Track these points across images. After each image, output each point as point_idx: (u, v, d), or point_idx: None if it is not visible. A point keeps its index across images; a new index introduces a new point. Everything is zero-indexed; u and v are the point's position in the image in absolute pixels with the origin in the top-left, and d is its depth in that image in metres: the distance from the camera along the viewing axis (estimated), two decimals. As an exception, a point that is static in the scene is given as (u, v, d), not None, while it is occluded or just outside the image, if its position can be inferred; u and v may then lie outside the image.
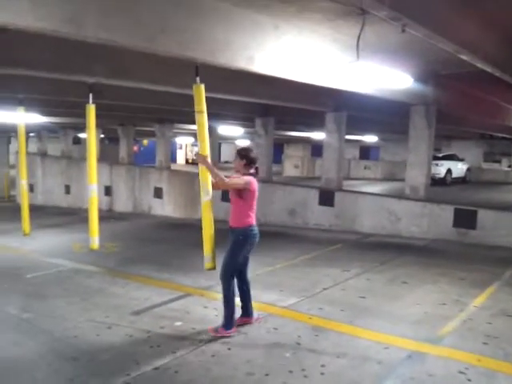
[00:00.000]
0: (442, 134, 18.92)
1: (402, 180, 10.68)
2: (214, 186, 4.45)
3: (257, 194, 4.35)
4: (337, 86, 6.73)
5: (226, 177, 4.32)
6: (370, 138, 22.52)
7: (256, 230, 4.36)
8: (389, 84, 6.39)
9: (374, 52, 5.59)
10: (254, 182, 4.32)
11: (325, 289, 5.69)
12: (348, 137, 13.81)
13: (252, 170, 4.39)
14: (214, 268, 4.75)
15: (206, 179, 4.68)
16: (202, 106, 5.14)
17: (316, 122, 12.85)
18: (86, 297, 5.52)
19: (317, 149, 27.69)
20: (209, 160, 4.45)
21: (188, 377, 3.51)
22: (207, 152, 4.63)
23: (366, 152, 29.97)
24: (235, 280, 4.39)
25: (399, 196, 10.03)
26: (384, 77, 5.74)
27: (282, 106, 10.54)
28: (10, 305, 5.30)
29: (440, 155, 19.15)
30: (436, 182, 16.71)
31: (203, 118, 5.08)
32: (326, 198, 10.47)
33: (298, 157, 31.00)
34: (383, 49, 5.92)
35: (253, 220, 4.34)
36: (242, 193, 4.26)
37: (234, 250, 4.30)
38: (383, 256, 7.48)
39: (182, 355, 3.86)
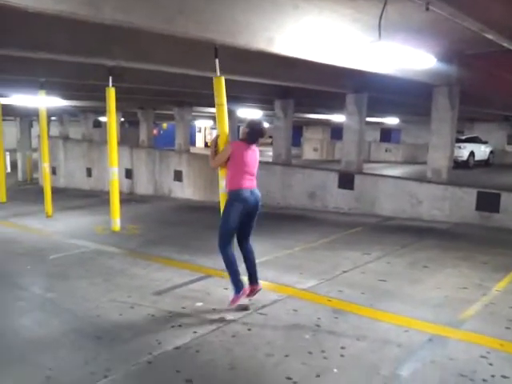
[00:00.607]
0: (465, 116, 18.53)
1: (424, 163, 10.52)
2: (213, 168, 4.73)
3: (248, 158, 4.42)
4: (358, 66, 6.61)
5: None
6: (391, 120, 22.16)
7: (246, 193, 4.37)
8: (411, 64, 6.25)
9: (397, 31, 5.46)
10: (240, 146, 4.44)
11: (344, 272, 5.68)
12: (369, 119, 13.61)
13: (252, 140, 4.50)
14: None
15: (222, 173, 4.80)
16: (222, 98, 5.13)
17: (336, 104, 12.69)
18: (109, 277, 5.62)
19: (336, 131, 27.43)
20: (220, 146, 4.59)
21: (209, 356, 3.57)
22: (225, 138, 4.76)
23: (386, 134, 29.54)
24: (234, 247, 4.53)
25: (421, 179, 9.89)
26: (406, 57, 5.61)
27: (301, 87, 10.42)
28: (34, 285, 5.44)
29: (463, 137, 18.80)
30: (459, 164, 16.45)
31: (223, 110, 5.07)
32: (346, 181, 10.40)
33: (317, 140, 30.77)
34: (406, 28, 5.77)
35: (243, 183, 4.38)
36: (229, 159, 4.42)
37: (224, 214, 4.43)
38: (404, 239, 7.41)
39: (202, 335, 3.91)
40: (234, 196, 4.37)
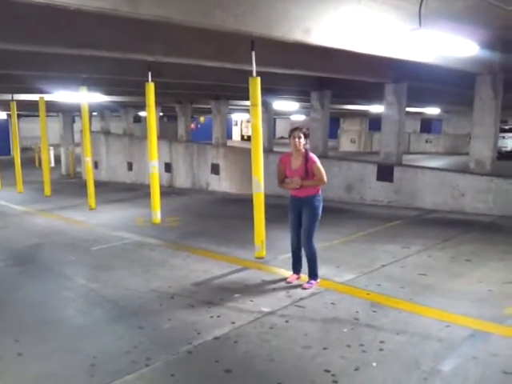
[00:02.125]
0: (510, 106, 17.79)
1: (466, 154, 10.21)
2: (319, 184, 4.86)
3: None
4: (397, 55, 6.45)
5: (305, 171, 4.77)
6: (432, 110, 21.57)
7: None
8: (452, 52, 6.06)
9: (437, 19, 5.30)
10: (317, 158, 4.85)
11: (383, 265, 5.61)
12: (408, 109, 13.29)
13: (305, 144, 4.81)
14: (263, 257, 5.54)
15: (258, 173, 4.93)
16: (256, 99, 5.17)
17: (374, 95, 12.45)
18: (149, 268, 5.76)
19: (374, 122, 26.94)
20: (300, 181, 4.79)
21: (247, 347, 3.61)
22: (261, 183, 5.43)
23: (427, 125, 28.79)
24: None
25: (463, 170, 9.60)
26: (447, 45, 5.45)
27: (338, 78, 10.26)
28: (78, 275, 5.63)
29: (507, 127, 18.10)
30: (503, 155, 15.84)
31: (258, 111, 5.11)
32: (385, 173, 10.21)
33: (354, 131, 30.35)
34: (447, 15, 5.59)
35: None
36: None
37: (315, 214, 4.85)
38: (445, 233, 7.23)
39: (240, 326, 3.96)
40: (321, 199, 4.86)
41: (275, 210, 6.72)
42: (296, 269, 5.10)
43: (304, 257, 5.00)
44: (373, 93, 12.20)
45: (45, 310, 4.55)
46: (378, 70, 9.32)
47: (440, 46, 5.54)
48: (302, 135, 4.73)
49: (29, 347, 3.75)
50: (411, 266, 5.57)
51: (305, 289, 4.80)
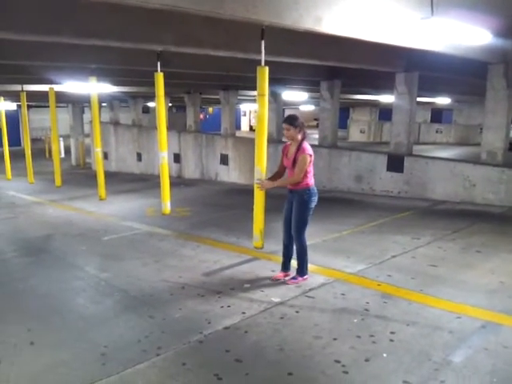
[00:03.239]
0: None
1: (477, 145, 10.10)
2: (294, 184, 4.67)
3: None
4: (408, 44, 6.37)
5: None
6: (443, 100, 21.33)
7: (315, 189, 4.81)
8: (465, 41, 5.96)
9: (449, 7, 5.21)
10: (310, 149, 4.63)
11: (393, 256, 5.59)
12: (419, 99, 13.15)
13: (302, 134, 4.66)
14: (261, 247, 5.55)
15: (262, 163, 4.91)
16: (264, 88, 5.14)
17: (385, 84, 12.32)
18: (160, 258, 5.79)
19: (384, 113, 26.76)
20: (267, 183, 4.90)
21: (257, 337, 3.62)
22: (263, 173, 5.28)
23: (437, 115, 28.48)
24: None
25: (474, 161, 9.50)
26: (460, 33, 5.36)
27: (348, 68, 10.17)
28: (89, 265, 5.67)
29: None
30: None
31: (264, 101, 5.08)
32: (395, 164, 10.14)
33: (364, 121, 30.16)
34: (459, 3, 5.49)
35: (313, 181, 4.75)
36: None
37: (305, 207, 4.65)
38: (456, 224, 7.18)
39: (251, 316, 3.97)
40: (313, 192, 4.65)
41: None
42: (284, 265, 4.90)
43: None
44: (383, 82, 12.07)
45: (56, 300, 4.59)
46: (389, 59, 9.22)
47: (452, 34, 5.45)
48: (289, 126, 4.58)
49: (41, 336, 3.79)
50: (422, 257, 5.54)
51: (288, 284, 4.67)
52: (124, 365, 3.24)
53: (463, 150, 18.84)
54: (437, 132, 25.98)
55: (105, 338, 3.68)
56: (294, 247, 4.79)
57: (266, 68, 5.11)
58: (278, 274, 4.88)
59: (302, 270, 4.75)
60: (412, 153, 10.41)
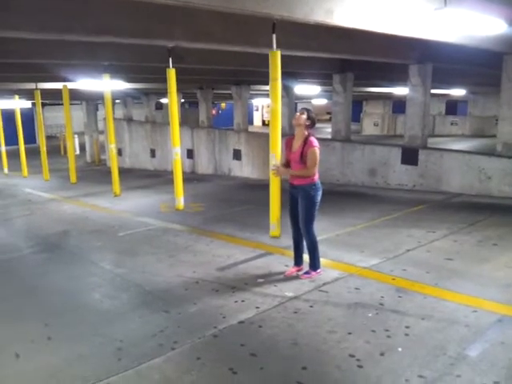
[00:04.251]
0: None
1: (493, 136, 9.95)
2: (305, 175, 4.62)
3: None
4: (421, 35, 6.28)
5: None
6: (458, 92, 21.04)
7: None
8: (479, 31, 5.87)
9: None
10: (317, 143, 4.60)
11: (408, 250, 5.55)
12: (433, 91, 12.99)
13: (309, 130, 4.66)
14: (279, 236, 5.52)
15: (276, 148, 4.89)
16: (276, 73, 5.12)
17: (398, 77, 12.20)
18: (174, 254, 5.82)
19: (398, 105, 26.49)
20: (282, 169, 4.89)
21: (271, 331, 3.63)
22: (278, 159, 5.31)
23: (452, 107, 28.11)
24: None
25: (490, 153, 9.37)
26: (473, 23, 5.28)
27: (361, 60, 10.08)
28: (104, 261, 5.74)
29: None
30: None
31: (277, 86, 5.06)
32: (410, 157, 10.04)
33: (377, 114, 29.91)
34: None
35: (318, 175, 4.70)
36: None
37: (312, 201, 4.62)
38: (472, 217, 7.09)
39: (265, 310, 3.98)
40: (318, 186, 4.62)
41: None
42: (296, 260, 4.90)
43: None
44: (397, 74, 11.95)
45: (72, 295, 4.66)
46: (402, 51, 9.11)
47: (466, 24, 5.37)
48: (305, 112, 4.61)
49: (58, 331, 3.85)
50: (437, 251, 5.49)
51: (301, 279, 4.68)
52: (140, 359, 3.28)
53: (479, 142, 18.59)
54: (452, 124, 25.67)
55: (121, 333, 3.73)
56: (305, 242, 4.77)
57: (278, 52, 5.09)
58: (291, 269, 4.87)
59: (314, 264, 4.75)
60: (427, 145, 10.30)
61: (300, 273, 4.79)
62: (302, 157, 4.53)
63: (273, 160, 5.29)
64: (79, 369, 3.25)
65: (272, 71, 5.15)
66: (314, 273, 4.73)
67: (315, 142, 4.54)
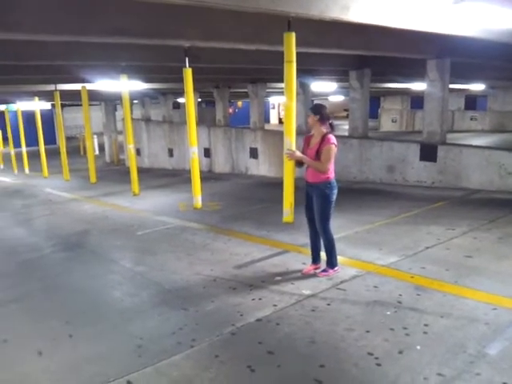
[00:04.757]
0: None
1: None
2: (318, 172, 4.59)
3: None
4: (439, 30, 6.20)
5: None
6: (477, 87, 20.68)
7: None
8: (498, 24, 5.76)
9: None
10: (335, 141, 4.58)
11: (427, 247, 5.49)
12: (452, 86, 12.80)
13: (326, 127, 4.64)
14: (292, 222, 5.52)
15: (291, 133, 4.90)
16: (291, 55, 5.13)
17: (416, 72, 12.05)
18: (192, 252, 5.87)
19: (416, 101, 26.17)
20: (298, 153, 4.76)
21: (289, 329, 3.64)
22: (293, 144, 5.25)
23: (471, 102, 27.64)
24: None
25: (510, 148, 9.20)
26: (493, 17, 5.19)
27: (378, 56, 9.99)
28: (124, 259, 5.82)
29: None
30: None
31: (292, 67, 5.08)
32: (428, 153, 9.92)
33: (395, 110, 29.57)
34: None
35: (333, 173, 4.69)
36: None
37: (328, 200, 4.60)
38: (492, 213, 6.98)
39: (282, 308, 3.99)
40: (333, 185, 4.61)
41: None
42: (314, 258, 4.89)
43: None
44: (414, 70, 11.80)
45: (93, 293, 4.74)
46: (420, 46, 9.00)
47: (484, 18, 5.28)
48: (310, 113, 4.65)
49: (79, 329, 3.92)
50: (456, 248, 5.43)
51: (318, 277, 4.68)
52: (159, 357, 3.32)
53: (499, 137, 18.28)
54: (471, 119, 25.26)
55: (140, 330, 3.78)
56: (321, 240, 4.77)
57: (293, 33, 5.09)
58: (308, 267, 4.87)
59: (331, 262, 4.74)
60: (445, 141, 10.16)
61: (317, 271, 4.79)
62: (318, 153, 4.53)
63: (287, 144, 5.30)
64: (100, 366, 3.31)
65: (287, 53, 5.18)
66: (331, 271, 4.72)
67: (333, 140, 4.54)
